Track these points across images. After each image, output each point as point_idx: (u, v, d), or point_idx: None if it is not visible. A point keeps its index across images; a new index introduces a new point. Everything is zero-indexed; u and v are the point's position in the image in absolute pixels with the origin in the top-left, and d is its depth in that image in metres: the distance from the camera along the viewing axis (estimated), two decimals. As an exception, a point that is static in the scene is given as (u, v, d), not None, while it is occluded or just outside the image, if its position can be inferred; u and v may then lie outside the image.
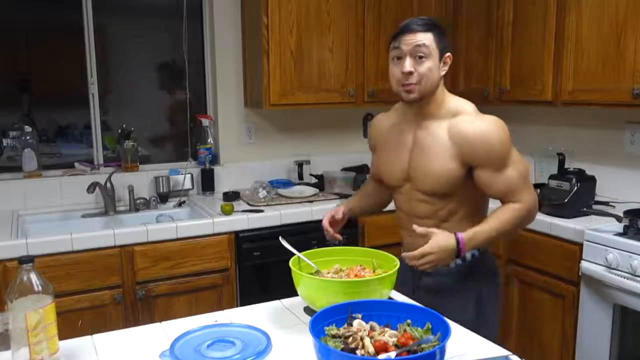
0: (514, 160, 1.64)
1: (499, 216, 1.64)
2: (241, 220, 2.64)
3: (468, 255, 1.74)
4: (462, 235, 1.59)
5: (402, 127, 1.77)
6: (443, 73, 1.67)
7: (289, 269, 1.48)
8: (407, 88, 1.63)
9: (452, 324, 1.22)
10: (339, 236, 1.86)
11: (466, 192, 1.69)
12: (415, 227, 1.60)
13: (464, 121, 1.63)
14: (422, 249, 1.56)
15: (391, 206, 1.97)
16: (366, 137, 3.57)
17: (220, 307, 2.51)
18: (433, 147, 1.66)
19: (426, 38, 1.60)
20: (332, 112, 3.44)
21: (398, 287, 1.68)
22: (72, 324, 2.26)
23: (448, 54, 1.66)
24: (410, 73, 1.60)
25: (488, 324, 1.75)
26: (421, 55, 1.59)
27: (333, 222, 1.88)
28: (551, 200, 2.57)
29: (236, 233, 2.63)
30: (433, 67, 1.61)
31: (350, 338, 1.17)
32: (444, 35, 1.65)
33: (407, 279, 1.77)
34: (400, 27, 1.64)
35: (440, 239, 1.57)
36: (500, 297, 1.89)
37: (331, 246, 1.70)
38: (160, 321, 1.49)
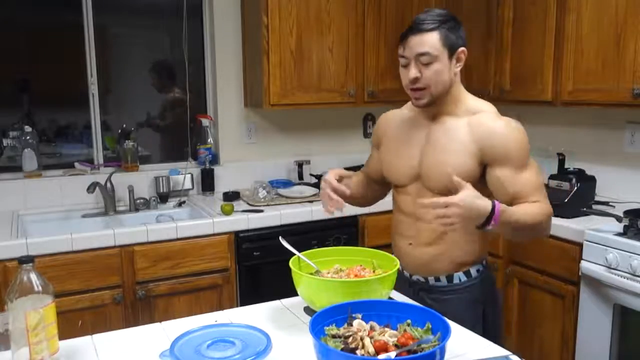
0: (532, 166, 1.58)
1: (524, 206, 1.52)
2: (241, 220, 2.64)
3: (473, 271, 1.67)
4: (499, 204, 1.43)
5: (415, 123, 1.70)
6: (457, 69, 1.59)
7: (289, 269, 1.48)
8: (415, 95, 1.58)
9: (452, 324, 1.22)
10: (343, 202, 1.64)
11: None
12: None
13: (485, 117, 1.58)
14: (450, 197, 1.37)
15: (390, 206, 1.89)
16: (366, 137, 3.58)
17: (220, 307, 2.52)
18: (449, 143, 1.59)
19: (431, 40, 1.51)
20: (332, 112, 3.44)
21: (398, 287, 1.68)
22: (72, 324, 2.26)
23: (461, 48, 1.57)
24: (416, 79, 1.55)
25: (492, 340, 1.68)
26: (427, 61, 1.53)
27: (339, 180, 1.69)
28: (551, 200, 2.55)
29: (236, 233, 2.63)
30: (441, 68, 1.54)
31: (350, 338, 1.17)
32: (455, 29, 1.55)
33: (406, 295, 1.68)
34: (409, 26, 1.57)
35: (472, 195, 1.38)
36: (502, 312, 1.81)
37: (331, 245, 1.68)
38: (160, 321, 1.49)
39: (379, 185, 1.89)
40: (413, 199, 1.67)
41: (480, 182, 1.58)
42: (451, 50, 1.55)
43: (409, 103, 1.74)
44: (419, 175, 1.66)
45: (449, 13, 1.58)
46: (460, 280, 1.67)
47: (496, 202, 1.43)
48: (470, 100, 1.65)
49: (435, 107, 1.62)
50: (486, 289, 1.70)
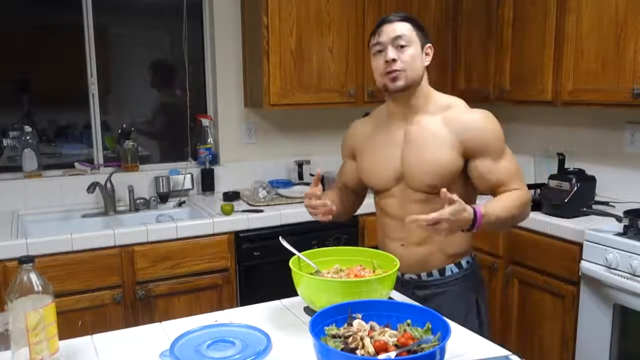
0: (509, 153, 1.65)
1: (503, 198, 1.59)
2: (241, 220, 2.64)
3: (464, 262, 1.72)
4: (479, 209, 1.49)
5: (389, 126, 1.72)
6: (426, 64, 1.65)
7: (289, 269, 1.48)
8: (392, 75, 1.60)
9: (451, 324, 1.22)
10: (333, 206, 1.66)
11: (462, 188, 1.64)
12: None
13: (460, 111, 1.63)
14: (439, 213, 1.40)
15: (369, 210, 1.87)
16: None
17: (220, 307, 2.52)
18: (429, 140, 1.62)
19: (404, 28, 1.60)
20: (332, 112, 3.43)
21: (398, 287, 1.68)
22: (72, 324, 2.26)
23: (429, 44, 1.65)
24: (394, 60, 1.58)
25: (486, 330, 1.72)
26: (402, 44, 1.59)
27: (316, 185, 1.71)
28: (551, 200, 2.57)
29: (236, 233, 2.63)
30: (416, 54, 1.60)
31: (350, 338, 1.17)
32: (421, 28, 1.65)
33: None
34: (377, 22, 1.66)
35: (459, 208, 1.42)
36: (488, 300, 1.86)
37: (331, 245, 1.68)
38: (160, 321, 1.49)
39: (356, 195, 1.92)
40: (399, 201, 1.69)
41: (463, 174, 1.63)
42: (421, 42, 1.62)
43: (376, 110, 1.83)
44: (402, 176, 1.68)
45: (413, 16, 1.69)
46: (452, 272, 1.71)
47: (477, 209, 1.48)
48: (440, 97, 1.69)
49: (407, 101, 1.65)
50: (476, 278, 1.76)
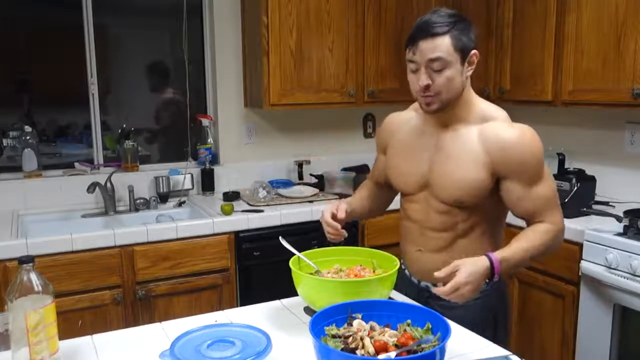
0: (545, 176, 1.52)
1: (529, 237, 1.49)
2: (241, 220, 2.64)
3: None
4: (494, 256, 1.41)
5: (424, 128, 1.62)
6: (469, 73, 1.50)
7: (289, 269, 1.48)
8: (426, 100, 1.50)
9: (452, 324, 1.22)
10: (344, 232, 1.64)
11: (491, 206, 1.55)
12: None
13: (497, 127, 1.50)
14: (454, 282, 1.34)
15: (391, 206, 1.90)
16: (367, 137, 3.58)
17: (220, 307, 2.52)
18: (460, 153, 1.52)
19: (443, 45, 1.43)
20: (332, 112, 3.43)
21: (407, 293, 1.66)
22: (72, 324, 2.26)
23: (473, 51, 1.48)
24: (428, 87, 1.46)
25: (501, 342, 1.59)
26: (438, 69, 1.44)
27: (334, 219, 1.65)
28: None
29: (236, 233, 2.63)
30: (453, 74, 1.45)
31: (350, 338, 1.17)
32: (467, 30, 1.47)
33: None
34: (415, 26, 1.48)
35: (470, 267, 1.36)
36: (510, 315, 1.75)
37: (331, 245, 1.67)
38: (160, 321, 1.49)
39: (389, 191, 1.83)
40: (422, 208, 1.62)
41: (492, 195, 1.53)
42: (463, 54, 1.46)
43: (415, 104, 1.68)
44: (427, 184, 1.60)
45: (459, 14, 1.51)
46: None
47: (493, 257, 1.40)
48: (482, 105, 1.57)
49: (445, 112, 1.54)
50: (497, 295, 1.65)
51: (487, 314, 1.62)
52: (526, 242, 1.48)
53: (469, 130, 1.53)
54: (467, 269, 1.36)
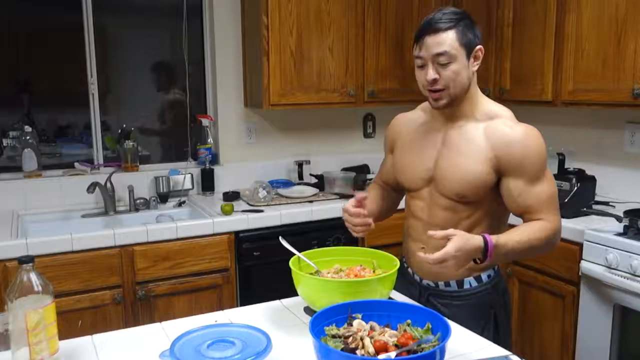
0: (547, 177, 1.54)
1: (525, 231, 1.50)
2: (241, 220, 2.64)
3: (484, 277, 1.64)
4: (491, 239, 1.42)
5: (431, 125, 1.66)
6: (475, 68, 1.55)
7: (289, 269, 1.48)
8: (434, 96, 1.53)
9: (452, 324, 1.22)
10: (370, 220, 1.62)
11: (494, 203, 1.58)
12: (430, 232, 1.42)
13: (504, 124, 1.54)
14: (443, 252, 1.35)
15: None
16: (367, 137, 3.58)
17: (220, 307, 2.52)
18: (465, 147, 1.56)
19: (448, 40, 1.47)
20: (332, 112, 3.44)
21: (408, 292, 1.67)
22: (72, 324, 2.26)
23: (479, 46, 1.53)
24: (435, 81, 1.51)
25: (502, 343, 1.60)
26: (445, 62, 1.49)
27: (358, 206, 1.62)
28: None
29: (236, 233, 2.63)
30: (460, 68, 1.50)
31: (350, 338, 1.17)
32: (471, 27, 1.52)
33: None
34: (421, 24, 1.52)
35: (461, 241, 1.37)
36: (511, 313, 1.76)
37: (331, 245, 1.66)
38: (160, 321, 1.49)
39: (397, 193, 1.86)
40: (426, 204, 1.65)
41: (494, 192, 1.56)
42: (468, 49, 1.51)
43: (423, 104, 1.73)
44: (432, 178, 1.62)
45: (463, 11, 1.55)
46: (470, 285, 1.64)
47: (488, 239, 1.41)
48: (488, 104, 1.61)
49: (452, 108, 1.58)
50: (497, 294, 1.67)
51: (487, 310, 1.64)
52: (521, 235, 1.49)
53: (475, 126, 1.57)
54: (458, 243, 1.36)
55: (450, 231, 1.39)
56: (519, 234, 1.49)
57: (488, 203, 1.57)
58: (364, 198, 1.62)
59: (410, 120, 1.75)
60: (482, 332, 1.51)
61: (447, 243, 1.37)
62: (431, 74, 1.50)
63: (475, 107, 1.59)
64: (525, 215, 1.55)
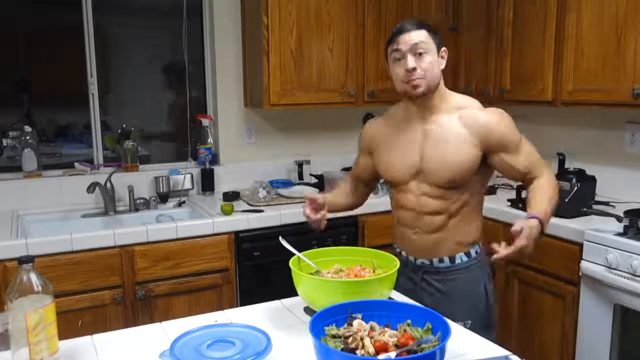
0: (524, 140, 1.74)
1: (543, 192, 1.69)
2: (241, 220, 2.64)
3: (472, 252, 1.79)
4: (539, 214, 1.60)
5: (407, 125, 1.79)
6: (442, 67, 1.72)
7: (289, 269, 1.48)
8: (413, 83, 1.66)
9: (452, 324, 1.22)
10: (318, 216, 1.81)
11: (477, 183, 1.75)
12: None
13: (476, 110, 1.72)
14: (519, 242, 1.52)
15: (390, 207, 1.93)
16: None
17: (220, 307, 2.52)
18: (448, 137, 1.69)
19: (421, 35, 1.66)
20: (332, 112, 3.44)
21: (403, 274, 1.76)
22: (72, 324, 2.26)
23: (443, 48, 1.72)
24: (414, 69, 1.65)
25: (494, 315, 1.84)
26: (421, 51, 1.65)
27: (315, 206, 1.83)
28: (551, 200, 2.56)
29: (236, 233, 2.63)
30: (434, 61, 1.67)
31: (350, 338, 1.17)
32: (434, 32, 1.71)
33: (409, 285, 1.82)
34: (393, 31, 1.70)
35: (528, 230, 1.54)
36: (494, 285, 1.92)
37: (332, 246, 1.68)
38: (160, 321, 1.49)
39: (366, 187, 2.03)
40: (414, 195, 1.77)
41: (480, 169, 1.71)
42: (438, 47, 1.69)
43: (391, 110, 1.88)
44: (420, 171, 1.74)
45: (427, 21, 1.75)
46: (462, 260, 1.78)
47: (538, 216, 1.59)
48: (454, 96, 1.77)
49: (424, 102, 1.72)
50: (484, 268, 1.83)
51: (477, 284, 1.81)
52: (543, 198, 1.67)
53: (449, 117, 1.72)
54: (526, 232, 1.53)
55: (522, 227, 1.53)
56: (541, 198, 1.67)
57: (471, 183, 1.73)
58: (316, 200, 1.82)
59: (382, 125, 1.88)
60: (475, 303, 1.77)
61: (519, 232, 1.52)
62: (411, 62, 1.64)
63: (445, 100, 1.74)
64: (527, 176, 1.74)
